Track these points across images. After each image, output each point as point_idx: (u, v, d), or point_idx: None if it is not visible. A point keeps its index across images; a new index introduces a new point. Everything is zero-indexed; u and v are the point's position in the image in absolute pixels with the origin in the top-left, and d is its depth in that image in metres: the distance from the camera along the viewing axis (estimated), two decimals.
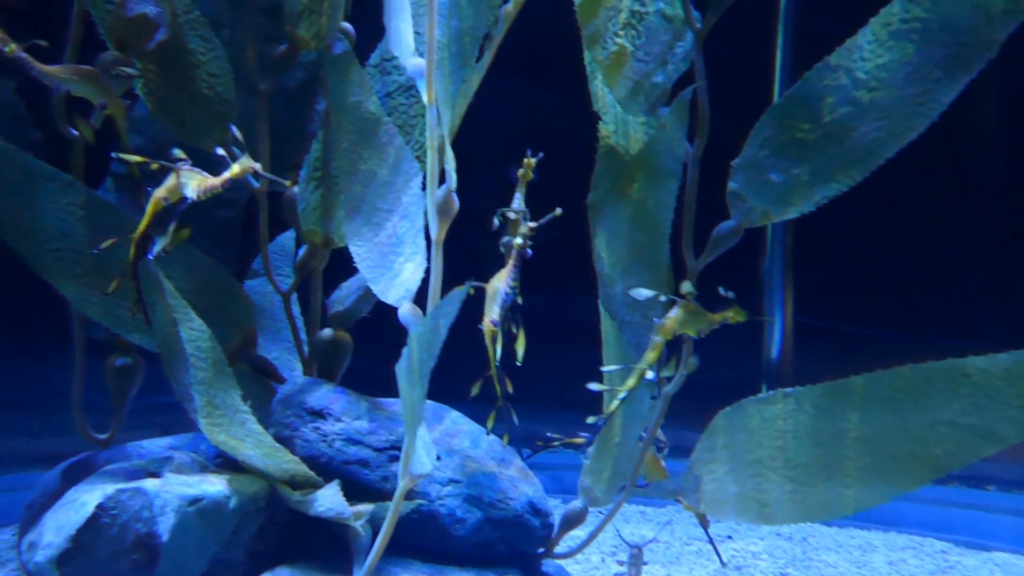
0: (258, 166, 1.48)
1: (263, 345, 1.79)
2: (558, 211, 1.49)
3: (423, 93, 1.41)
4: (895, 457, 1.41)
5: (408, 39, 1.45)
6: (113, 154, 1.51)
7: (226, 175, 1.45)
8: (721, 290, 1.49)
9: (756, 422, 1.53)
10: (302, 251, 1.75)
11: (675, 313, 1.45)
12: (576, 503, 1.70)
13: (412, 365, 1.27)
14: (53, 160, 1.66)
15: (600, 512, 1.80)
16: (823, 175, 1.54)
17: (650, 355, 1.46)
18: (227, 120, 1.69)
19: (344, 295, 1.77)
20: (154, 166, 1.45)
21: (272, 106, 1.76)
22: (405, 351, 1.30)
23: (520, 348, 1.43)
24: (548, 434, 1.71)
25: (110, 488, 1.45)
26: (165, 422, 1.89)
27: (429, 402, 1.74)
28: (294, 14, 1.71)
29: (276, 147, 1.75)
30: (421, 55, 1.44)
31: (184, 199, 1.43)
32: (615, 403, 1.49)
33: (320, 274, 1.77)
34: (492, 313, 1.39)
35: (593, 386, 1.48)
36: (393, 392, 1.73)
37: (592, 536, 1.68)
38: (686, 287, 1.45)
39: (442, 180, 1.42)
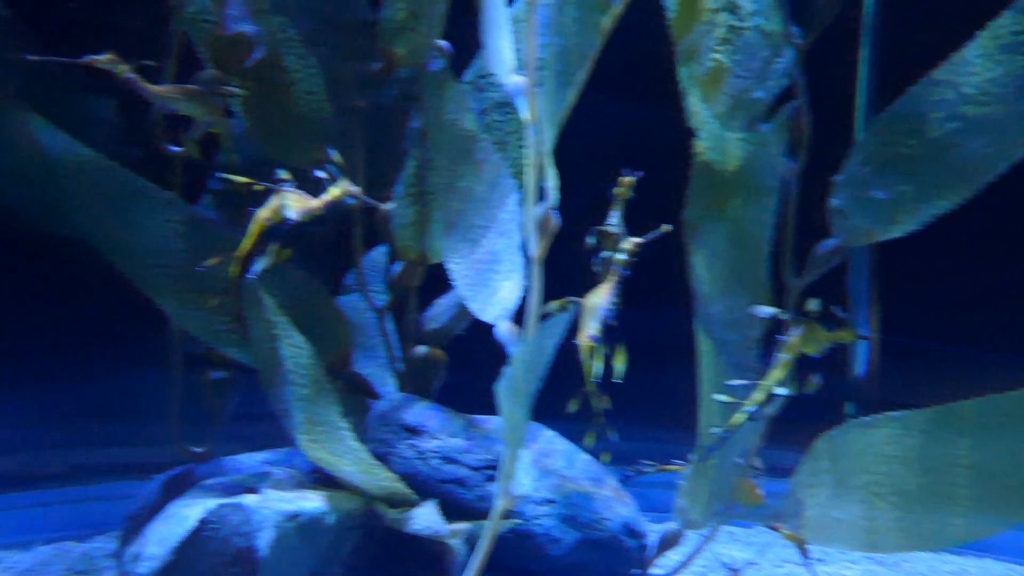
0: (357, 189, 1.49)
1: (357, 361, 1.80)
2: (666, 228, 1.47)
3: (523, 111, 1.40)
4: (1009, 486, 1.37)
5: (507, 57, 1.44)
6: (217, 173, 1.53)
7: (326, 197, 1.46)
8: (817, 305, 1.46)
9: (860, 446, 1.50)
10: (396, 267, 1.76)
11: (799, 331, 1.43)
12: (672, 525, 1.68)
13: (515, 385, 1.26)
14: (153, 177, 1.69)
15: (700, 534, 1.77)
16: (929, 192, 1.50)
17: (777, 373, 1.44)
18: (323, 138, 1.70)
19: (439, 312, 1.77)
20: (258, 187, 1.46)
21: (366, 123, 1.77)
22: (507, 371, 1.29)
23: (619, 365, 1.42)
24: (643, 462, 1.69)
25: (211, 503, 1.47)
26: (252, 433, 1.91)
27: None
28: (389, 32, 1.71)
29: (371, 164, 1.76)
30: (521, 73, 1.43)
31: (286, 220, 1.45)
32: (739, 417, 1.47)
33: (415, 291, 1.77)
34: (590, 329, 1.37)
35: (719, 397, 1.46)
36: (479, 408, 1.74)
37: (690, 559, 1.66)
38: (813, 305, 1.43)
39: (541, 197, 1.41)
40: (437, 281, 1.82)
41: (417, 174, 1.73)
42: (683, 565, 1.68)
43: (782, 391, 1.42)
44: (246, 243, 1.46)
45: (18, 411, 2.25)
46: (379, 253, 1.97)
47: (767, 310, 1.44)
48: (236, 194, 1.81)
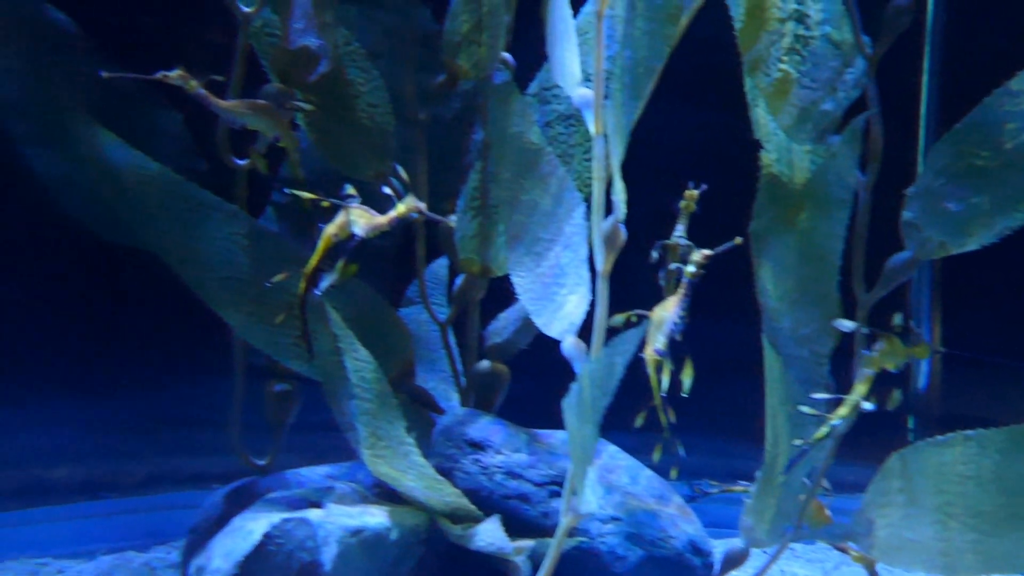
0: (422, 205, 1.48)
1: (420, 375, 1.79)
2: (737, 240, 1.45)
3: (590, 124, 1.39)
4: None
5: (573, 69, 1.43)
6: (285, 189, 1.53)
7: (392, 214, 1.46)
8: (900, 320, 1.43)
9: (934, 465, 1.47)
10: (459, 280, 1.75)
11: (881, 346, 1.40)
12: (737, 542, 1.65)
13: (583, 402, 1.24)
14: (218, 191, 1.70)
15: (765, 552, 1.75)
16: (1005, 204, 1.47)
17: (861, 387, 1.42)
18: (387, 151, 1.70)
19: (502, 326, 1.76)
20: (325, 203, 1.46)
21: (429, 136, 1.76)
22: (574, 387, 1.28)
23: (687, 379, 1.40)
24: (708, 481, 1.67)
25: (276, 517, 1.47)
26: (310, 443, 1.91)
27: None
28: (453, 44, 1.71)
29: (433, 176, 1.75)
30: (587, 85, 1.42)
31: (352, 236, 1.45)
32: (824, 430, 1.44)
33: (477, 304, 1.76)
34: (657, 342, 1.36)
35: (805, 409, 1.44)
36: (537, 421, 1.73)
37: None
38: (898, 319, 1.40)
39: (608, 211, 1.40)
40: (499, 294, 1.82)
41: (480, 187, 1.72)
42: None
43: (867, 406, 1.41)
44: (314, 259, 1.46)
45: (81, 421, 2.27)
46: (439, 266, 1.97)
47: (847, 324, 1.42)
48: (299, 207, 1.83)
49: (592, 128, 1.38)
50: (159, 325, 2.27)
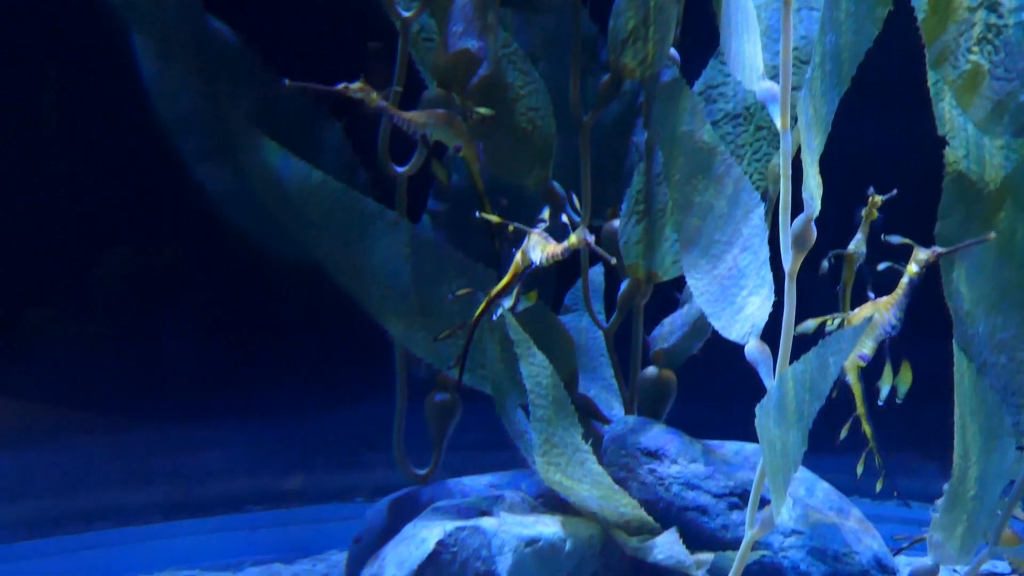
0: (591, 238, 1.42)
1: (581, 383, 1.75)
2: (990, 236, 1.35)
3: (776, 118, 1.33)
4: None
5: (755, 61, 1.38)
6: (477, 213, 1.50)
7: (565, 244, 1.41)
8: None
9: None
10: (623, 286, 1.71)
11: None
12: (926, 560, 1.56)
13: (786, 406, 1.18)
14: (378, 200, 1.69)
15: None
16: None
17: None
18: (547, 156, 1.67)
19: (667, 332, 1.70)
20: (511, 228, 1.43)
21: (591, 140, 1.73)
22: (773, 390, 1.22)
23: (904, 385, 1.32)
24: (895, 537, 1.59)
25: (449, 525, 1.44)
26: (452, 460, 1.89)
27: (754, 445, 1.65)
28: (618, 42, 1.67)
29: (595, 181, 1.71)
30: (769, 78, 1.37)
31: (531, 263, 1.41)
32: None
33: (642, 310, 1.71)
34: (863, 347, 1.28)
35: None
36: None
37: None
38: None
39: (795, 210, 1.34)
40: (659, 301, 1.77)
41: (644, 190, 1.67)
42: None
43: None
44: (502, 284, 1.43)
45: (236, 442, 2.29)
46: (596, 273, 1.93)
47: None
48: (456, 217, 1.81)
49: (778, 123, 1.32)
50: (314, 352, 2.29)
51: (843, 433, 1.35)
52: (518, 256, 1.41)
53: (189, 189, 1.74)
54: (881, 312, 1.30)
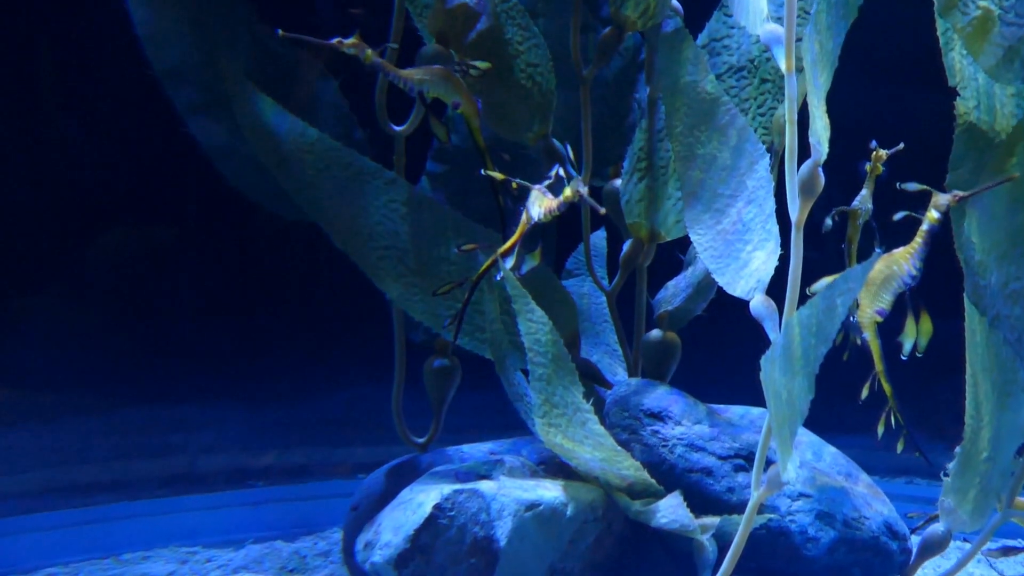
0: (585, 189, 1.39)
1: (584, 348, 1.70)
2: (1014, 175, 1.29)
3: (780, 60, 1.28)
4: None
5: (760, 4, 1.33)
6: (482, 171, 1.46)
7: (560, 198, 1.37)
8: None
9: None
10: (625, 247, 1.66)
11: None
12: (937, 526, 1.51)
13: (791, 353, 1.13)
14: (375, 159, 1.65)
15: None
16: None
17: None
18: (547, 112, 1.62)
19: (671, 294, 1.66)
20: (514, 184, 1.38)
21: (591, 96, 1.68)
22: (778, 340, 1.17)
23: (924, 338, 1.26)
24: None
25: (446, 489, 1.40)
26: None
27: (760, 409, 1.60)
28: None
29: (595, 139, 1.67)
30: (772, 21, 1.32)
31: (531, 219, 1.37)
32: None
33: (645, 272, 1.67)
34: (881, 301, 1.22)
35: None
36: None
37: (960, 565, 1.49)
38: None
39: (801, 157, 1.29)
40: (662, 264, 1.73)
41: (646, 147, 1.63)
42: (952, 572, 1.50)
43: None
44: (511, 242, 1.39)
45: (234, 420, 2.27)
46: (598, 237, 1.88)
47: None
48: (455, 177, 1.77)
49: (783, 65, 1.28)
50: (314, 337, 2.27)
51: (864, 392, 1.30)
52: (524, 213, 1.37)
53: (188, 167, 1.71)
54: (899, 264, 1.25)
